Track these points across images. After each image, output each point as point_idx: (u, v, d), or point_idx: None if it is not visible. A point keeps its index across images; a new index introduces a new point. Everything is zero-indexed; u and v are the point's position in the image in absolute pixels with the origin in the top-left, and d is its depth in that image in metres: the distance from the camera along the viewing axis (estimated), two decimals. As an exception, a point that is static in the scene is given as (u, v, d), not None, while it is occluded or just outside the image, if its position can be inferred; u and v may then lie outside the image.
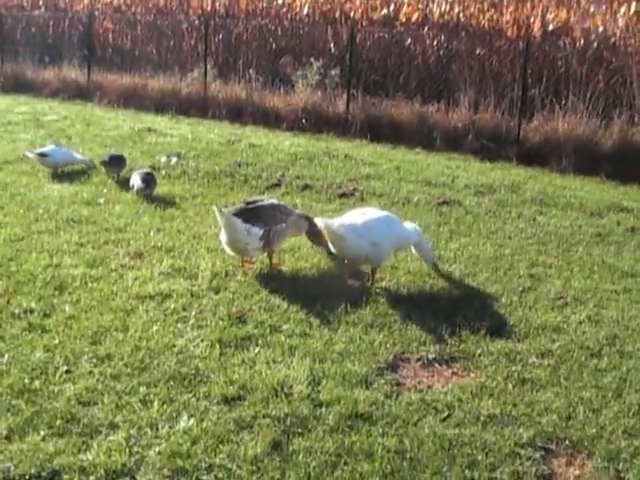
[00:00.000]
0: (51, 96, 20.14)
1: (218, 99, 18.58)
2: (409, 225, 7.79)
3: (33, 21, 24.09)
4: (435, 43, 18.44)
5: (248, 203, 7.61)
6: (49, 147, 11.49)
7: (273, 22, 20.49)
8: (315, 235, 7.85)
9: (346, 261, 7.57)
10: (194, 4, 22.34)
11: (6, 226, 8.55)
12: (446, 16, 18.50)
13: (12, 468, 4.35)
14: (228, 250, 7.56)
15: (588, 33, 16.75)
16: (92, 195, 10.06)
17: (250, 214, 7.37)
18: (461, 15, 18.34)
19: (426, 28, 18.62)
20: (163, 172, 11.66)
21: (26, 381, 5.27)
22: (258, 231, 7.30)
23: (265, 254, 7.65)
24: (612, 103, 15.51)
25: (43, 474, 4.34)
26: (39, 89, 20.75)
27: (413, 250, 7.85)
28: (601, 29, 16.66)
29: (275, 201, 7.91)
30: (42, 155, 11.20)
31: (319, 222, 7.27)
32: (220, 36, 21.00)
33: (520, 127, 15.53)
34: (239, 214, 7.34)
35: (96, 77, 20.72)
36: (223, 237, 7.46)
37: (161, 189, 10.53)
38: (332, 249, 7.48)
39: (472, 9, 18.29)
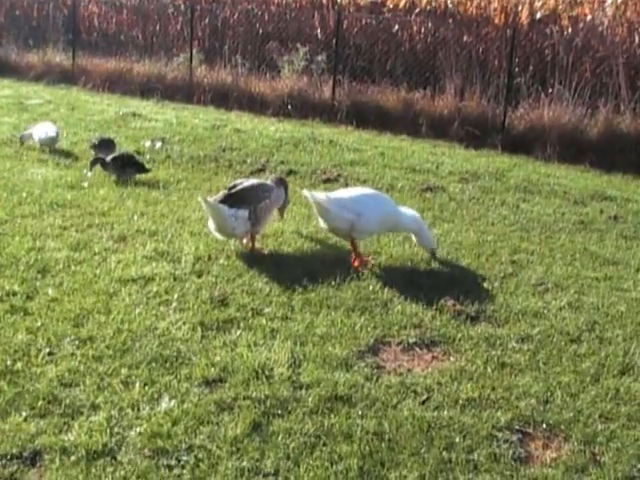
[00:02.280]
0: (35, 80, 20.02)
1: (204, 84, 18.53)
2: (407, 211, 7.88)
3: (17, 4, 23.92)
4: (422, 30, 18.44)
5: (230, 189, 7.69)
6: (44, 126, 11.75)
7: (260, 7, 20.43)
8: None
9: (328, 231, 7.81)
10: (181, -12, 22.26)
11: (-11, 209, 8.54)
12: (433, 3, 18.48)
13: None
14: (218, 236, 7.65)
15: (576, 22, 16.79)
16: (76, 179, 10.04)
17: (234, 198, 7.48)
18: (449, 2, 18.32)
19: (413, 15, 18.60)
20: (147, 157, 11.64)
21: (8, 363, 5.29)
22: (244, 213, 7.40)
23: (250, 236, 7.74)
24: (598, 92, 15.57)
25: (25, 454, 4.37)
26: (23, 73, 20.60)
27: (414, 238, 7.90)
28: (589, 18, 16.70)
29: (255, 181, 8.02)
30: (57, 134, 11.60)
31: (306, 194, 7.44)
32: (206, 21, 20.92)
33: (506, 115, 15.57)
34: (224, 201, 7.44)
35: (81, 61, 20.60)
36: (211, 224, 7.57)
37: (145, 174, 10.52)
38: (320, 223, 7.70)
39: (460, -4, 18.30)
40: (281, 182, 8.10)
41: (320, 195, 7.54)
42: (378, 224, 7.62)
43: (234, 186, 7.72)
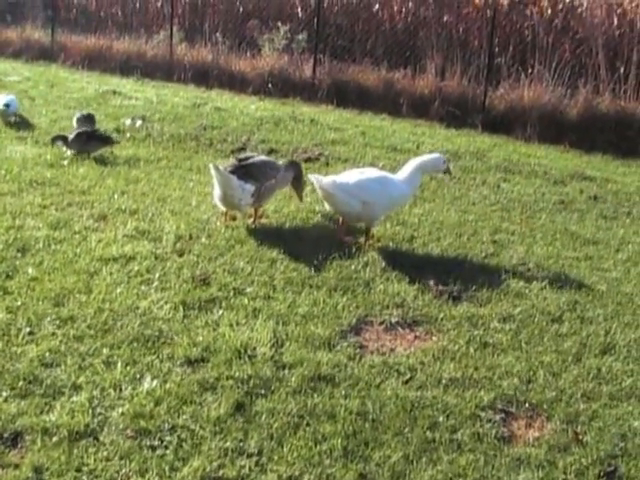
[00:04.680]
0: (13, 56, 19.81)
1: (184, 62, 18.41)
2: (409, 168, 7.78)
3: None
4: (403, 9, 18.37)
5: (240, 160, 7.83)
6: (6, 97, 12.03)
7: (240, -15, 20.29)
8: (298, 183, 8.24)
9: (340, 218, 7.77)
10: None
11: (-32, 187, 8.46)
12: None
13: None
14: (220, 205, 7.80)
15: (555, 3, 16.80)
16: (55, 157, 9.95)
17: (243, 171, 7.63)
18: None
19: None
20: (128, 135, 11.57)
21: (-12, 342, 5.25)
22: (250, 187, 7.57)
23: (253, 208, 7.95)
24: (577, 73, 15.60)
25: (5, 435, 4.33)
26: (1, 49, 20.39)
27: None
28: (568, -1, 16.73)
29: (265, 157, 8.27)
30: (7, 106, 11.71)
31: (312, 179, 7.44)
32: (186, -2, 20.79)
33: (486, 95, 15.57)
34: (234, 171, 7.59)
35: (60, 38, 20.40)
36: (216, 193, 7.69)
37: (126, 152, 10.47)
38: (327, 207, 7.75)
39: (440, -24, 18.21)
40: (291, 165, 8.21)
41: (326, 180, 7.44)
42: (385, 209, 7.66)
43: (245, 158, 7.89)
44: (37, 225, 7.43)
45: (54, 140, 10.16)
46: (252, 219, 7.97)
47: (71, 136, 10.04)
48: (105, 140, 10.30)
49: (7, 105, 11.71)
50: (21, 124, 11.77)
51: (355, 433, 4.55)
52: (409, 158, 11.26)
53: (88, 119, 11.13)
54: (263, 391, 4.90)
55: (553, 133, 14.36)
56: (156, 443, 4.35)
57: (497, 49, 16.53)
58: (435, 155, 8.04)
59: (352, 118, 14.83)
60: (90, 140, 10.07)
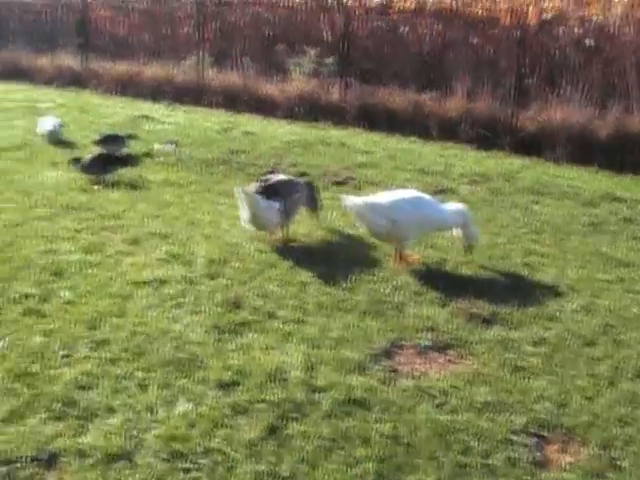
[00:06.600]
0: (46, 83, 20.07)
1: (213, 87, 18.54)
2: (453, 206, 7.89)
3: (28, 8, 23.95)
4: (430, 31, 18.41)
5: (263, 181, 8.00)
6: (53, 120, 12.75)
7: (268, 10, 20.42)
8: (314, 202, 8.55)
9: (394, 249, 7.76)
10: (189, -9, 22.25)
11: (3, 212, 8.59)
12: (441, 4, 18.45)
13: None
14: (249, 227, 7.92)
15: (584, 22, 16.76)
16: (89, 182, 10.06)
17: (269, 190, 7.81)
18: (455, 3, 18.28)
19: (421, 16, 18.58)
20: (160, 159, 11.69)
21: (25, 365, 5.31)
22: (278, 205, 7.72)
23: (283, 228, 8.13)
24: (607, 92, 15.52)
25: (42, 456, 4.38)
26: (34, 76, 20.66)
27: (455, 232, 7.95)
28: (598, 18, 16.67)
29: (285, 176, 8.44)
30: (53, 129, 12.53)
31: (344, 199, 7.57)
32: (215, 23, 20.94)
33: (515, 116, 15.53)
34: (260, 192, 7.76)
35: (91, 64, 20.66)
36: (245, 215, 7.83)
37: (157, 176, 10.56)
38: (361, 228, 7.81)
39: (467, -3, 18.26)
40: (307, 185, 8.50)
41: (356, 200, 7.51)
42: (416, 229, 7.61)
43: (267, 179, 8.03)
44: (71, 249, 7.53)
45: (71, 163, 10.24)
46: (281, 240, 8.06)
47: (87, 160, 10.09)
48: (125, 161, 10.37)
49: (54, 128, 12.39)
50: (56, 150, 11.93)
51: (388, 457, 4.55)
52: (439, 180, 11.40)
53: (111, 139, 11.32)
54: (296, 415, 4.92)
55: (583, 154, 14.26)
56: (190, 466, 4.37)
57: (526, 70, 16.50)
58: (476, 232, 7.98)
59: (381, 141, 14.85)
60: (107, 163, 10.14)
